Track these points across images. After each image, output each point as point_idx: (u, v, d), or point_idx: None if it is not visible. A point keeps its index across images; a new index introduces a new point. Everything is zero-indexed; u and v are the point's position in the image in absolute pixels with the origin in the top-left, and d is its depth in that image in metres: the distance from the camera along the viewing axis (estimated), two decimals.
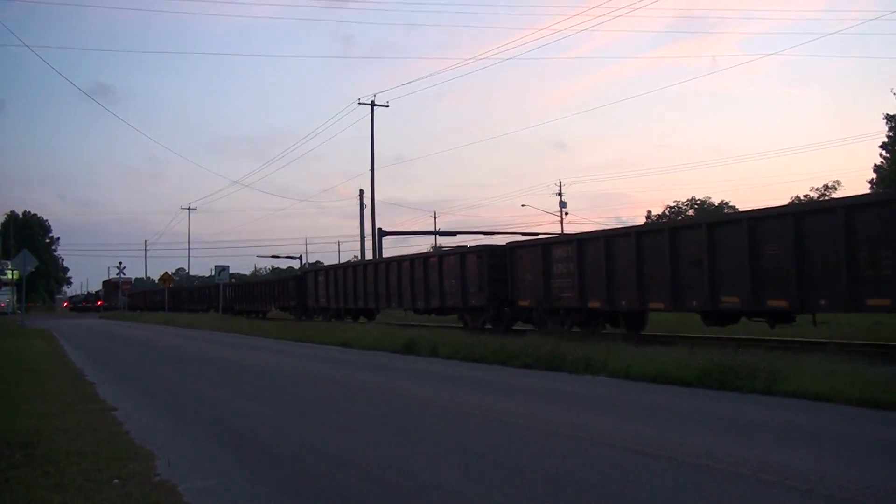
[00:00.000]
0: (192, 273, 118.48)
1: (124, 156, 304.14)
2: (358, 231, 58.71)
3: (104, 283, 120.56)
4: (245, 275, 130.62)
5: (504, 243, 29.81)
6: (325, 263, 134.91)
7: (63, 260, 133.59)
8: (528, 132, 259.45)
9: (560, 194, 78.80)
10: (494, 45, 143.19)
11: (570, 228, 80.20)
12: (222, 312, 56.10)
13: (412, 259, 33.98)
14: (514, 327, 27.66)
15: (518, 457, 7.91)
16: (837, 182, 78.70)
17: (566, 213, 77.92)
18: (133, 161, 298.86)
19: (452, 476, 7.16)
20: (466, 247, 31.63)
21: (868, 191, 56.19)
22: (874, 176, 56.21)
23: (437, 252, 38.79)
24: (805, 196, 79.79)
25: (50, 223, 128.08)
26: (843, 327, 19.58)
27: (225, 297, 58.88)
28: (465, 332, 24.66)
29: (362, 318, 40.12)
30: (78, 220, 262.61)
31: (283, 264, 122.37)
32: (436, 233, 76.03)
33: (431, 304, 31.77)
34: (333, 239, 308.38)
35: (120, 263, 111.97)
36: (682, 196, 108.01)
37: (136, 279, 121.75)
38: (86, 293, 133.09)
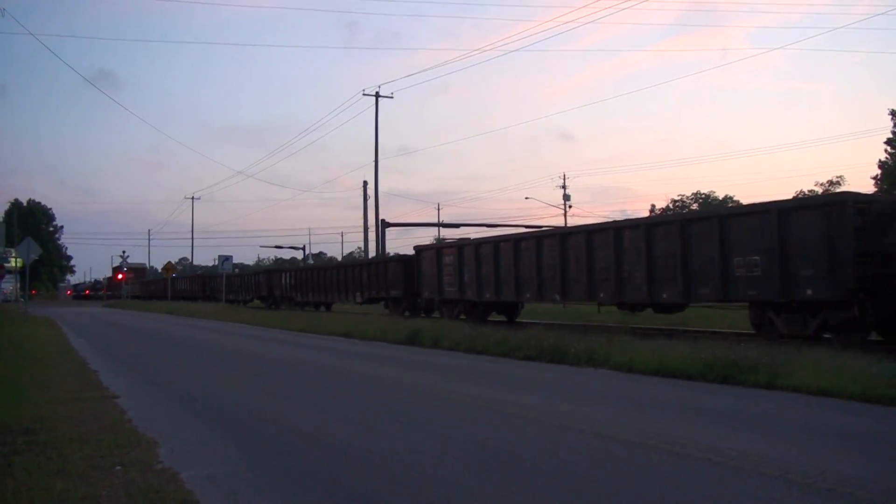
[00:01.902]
0: (195, 263, 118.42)
1: (127, 144, 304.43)
2: (361, 222, 58.71)
3: (115, 269, 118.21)
4: (249, 265, 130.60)
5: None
6: (329, 255, 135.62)
7: (66, 248, 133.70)
8: (532, 124, 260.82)
9: (564, 187, 78.65)
10: (500, 37, 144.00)
11: (573, 221, 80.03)
12: (272, 305, 52.42)
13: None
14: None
15: (520, 449, 7.92)
16: (841, 177, 78.60)
17: (570, 206, 77.78)
18: (136, 150, 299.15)
19: (454, 467, 7.17)
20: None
21: (873, 187, 56.25)
22: (879, 172, 56.13)
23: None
24: (809, 191, 79.83)
25: (53, 212, 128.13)
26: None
27: (281, 284, 52.40)
28: (468, 324, 24.67)
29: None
30: (80, 208, 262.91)
31: (287, 255, 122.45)
32: (439, 225, 75.96)
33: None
34: (336, 230, 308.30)
35: (123, 252, 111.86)
36: (687, 190, 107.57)
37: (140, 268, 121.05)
38: (93, 281, 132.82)
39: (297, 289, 48.93)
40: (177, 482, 6.60)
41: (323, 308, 46.96)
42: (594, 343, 15.78)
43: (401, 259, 36.57)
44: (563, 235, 24.60)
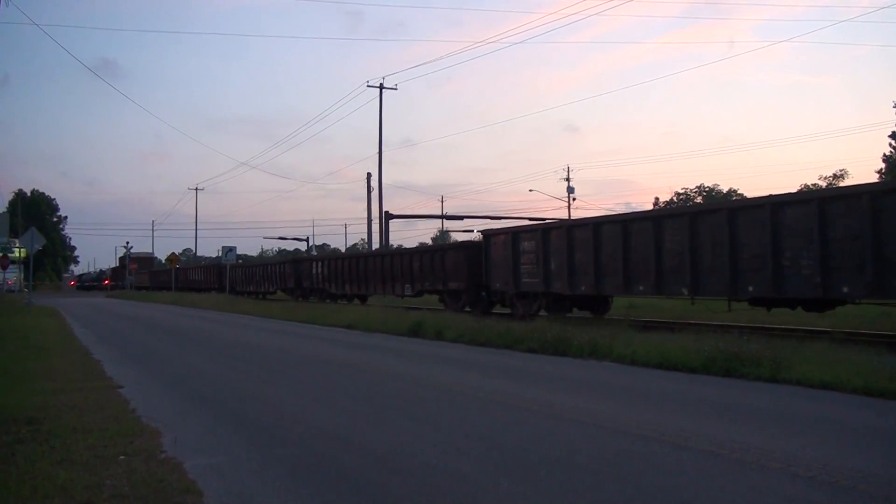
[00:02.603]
0: (198, 254, 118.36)
1: (130, 135, 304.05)
2: (364, 214, 58.71)
3: (121, 259, 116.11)
4: (252, 256, 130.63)
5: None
6: (332, 247, 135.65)
7: (70, 239, 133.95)
8: (537, 116, 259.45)
9: (568, 179, 78.67)
10: (504, 28, 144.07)
11: (577, 214, 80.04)
12: (299, 297, 47.10)
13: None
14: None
15: (522, 440, 7.93)
16: (845, 171, 78.57)
17: (574, 199, 77.76)
18: (139, 141, 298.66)
19: (456, 458, 7.19)
20: None
21: (876, 180, 56.06)
22: (883, 165, 56.02)
23: None
24: (813, 184, 79.67)
25: (57, 202, 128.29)
26: (848, 318, 19.51)
27: (311, 274, 45.52)
28: (472, 316, 24.64)
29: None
30: (84, 198, 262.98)
31: (290, 246, 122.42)
32: (443, 216, 75.88)
33: None
34: (340, 221, 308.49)
35: (127, 243, 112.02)
36: (691, 183, 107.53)
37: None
38: (99, 271, 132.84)
39: (332, 280, 42.42)
40: (180, 471, 6.63)
41: (357, 301, 40.88)
42: (597, 336, 15.78)
43: (463, 246, 31.66)
44: (694, 216, 19.96)
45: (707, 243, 19.33)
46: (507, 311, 28.01)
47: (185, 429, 8.76)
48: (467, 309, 29.05)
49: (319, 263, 45.09)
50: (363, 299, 41.25)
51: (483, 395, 10.88)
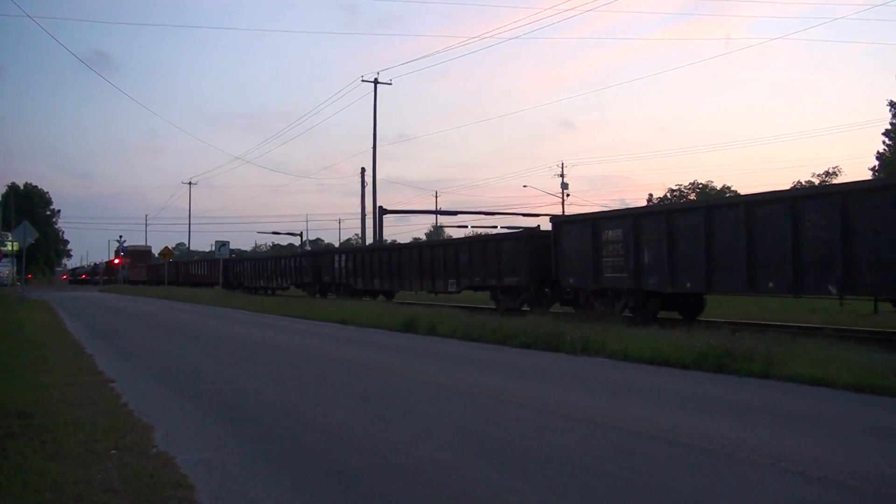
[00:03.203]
0: (192, 248, 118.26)
1: (123, 128, 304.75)
2: (358, 209, 58.69)
3: (117, 251, 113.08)
4: (245, 250, 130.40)
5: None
6: (326, 241, 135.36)
7: (63, 232, 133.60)
8: (531, 112, 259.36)
9: (562, 175, 78.67)
10: (501, 23, 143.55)
11: (570, 210, 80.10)
12: (317, 293, 44.17)
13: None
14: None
15: (513, 436, 7.94)
16: (838, 168, 78.77)
17: (567, 195, 77.79)
18: (132, 134, 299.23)
19: (448, 453, 7.20)
20: None
21: (870, 177, 56.20)
22: (876, 163, 56.14)
23: None
24: (807, 181, 79.91)
25: (51, 195, 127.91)
26: (840, 314, 19.53)
27: (333, 269, 41.65)
28: (464, 311, 24.54)
29: None
30: (77, 192, 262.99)
31: (284, 241, 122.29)
32: (437, 212, 75.97)
33: None
34: (334, 216, 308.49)
35: (120, 237, 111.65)
36: (685, 180, 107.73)
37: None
38: (93, 264, 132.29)
39: (358, 274, 38.50)
40: (172, 466, 6.63)
41: (382, 297, 38.28)
42: (590, 332, 15.80)
43: (526, 235, 27.51)
44: (846, 194, 16.47)
45: (865, 229, 15.90)
46: (571, 309, 25.05)
47: (177, 423, 8.76)
48: (525, 308, 25.86)
49: (343, 256, 41.27)
50: (389, 296, 38.54)
51: (476, 391, 10.89)
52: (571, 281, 23.92)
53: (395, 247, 40.12)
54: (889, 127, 54.74)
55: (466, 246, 30.41)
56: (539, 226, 30.24)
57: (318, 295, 43.26)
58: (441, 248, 32.38)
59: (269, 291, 52.89)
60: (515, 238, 27.91)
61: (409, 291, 35.51)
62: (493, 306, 27.30)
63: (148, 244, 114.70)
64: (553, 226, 25.29)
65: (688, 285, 19.86)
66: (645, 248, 21.10)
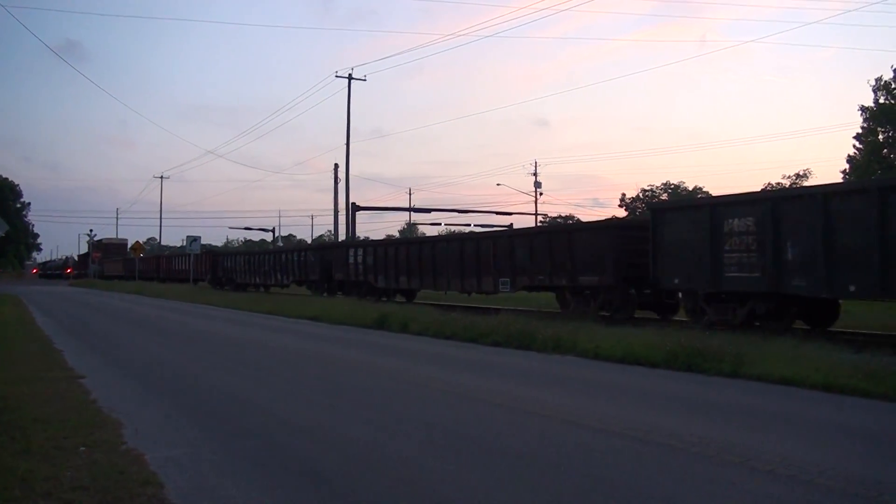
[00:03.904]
0: (163, 243, 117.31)
1: (94, 120, 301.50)
2: (332, 205, 58.47)
3: (95, 244, 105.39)
4: (217, 246, 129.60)
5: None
6: (298, 238, 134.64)
7: (33, 226, 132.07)
8: (508, 110, 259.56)
9: (535, 174, 78.85)
10: (477, 21, 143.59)
11: (543, 209, 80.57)
12: (326, 291, 39.67)
13: None
14: None
15: (484, 433, 7.96)
16: (808, 170, 79.46)
17: (541, 194, 78.00)
18: (103, 126, 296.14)
19: (418, 450, 7.23)
20: None
21: (841, 181, 56.77)
22: (847, 166, 56.68)
23: None
24: (777, 183, 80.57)
25: (21, 188, 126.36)
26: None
27: (348, 265, 36.67)
28: (437, 308, 24.48)
29: None
30: (46, 184, 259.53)
31: (256, 236, 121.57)
32: (410, 209, 75.75)
33: None
34: (306, 212, 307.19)
35: (91, 230, 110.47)
36: (658, 180, 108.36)
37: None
38: (64, 258, 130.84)
39: (379, 271, 33.88)
40: (141, 463, 6.59)
41: (400, 297, 34.27)
42: (561, 330, 15.85)
43: (607, 225, 23.43)
44: None
45: None
46: (654, 315, 22.06)
47: (147, 420, 8.71)
48: (604, 313, 21.82)
49: (360, 251, 36.21)
50: (410, 295, 34.65)
51: (448, 388, 10.91)
52: (676, 282, 19.98)
53: (428, 240, 36.53)
54: (860, 131, 55.19)
55: (526, 238, 25.67)
56: (511, 224, 29.23)
57: (325, 294, 39.23)
58: (490, 240, 27.53)
59: (263, 289, 49.15)
60: (596, 228, 23.57)
61: (439, 290, 31.43)
62: (559, 309, 23.99)
63: (123, 238, 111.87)
64: (652, 214, 21.24)
65: (852, 288, 15.93)
66: (788, 242, 17.04)
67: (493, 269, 26.20)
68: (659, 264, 20.07)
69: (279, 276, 45.79)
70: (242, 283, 51.16)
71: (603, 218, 30.11)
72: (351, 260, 36.43)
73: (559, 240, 23.79)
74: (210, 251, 65.53)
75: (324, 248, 42.64)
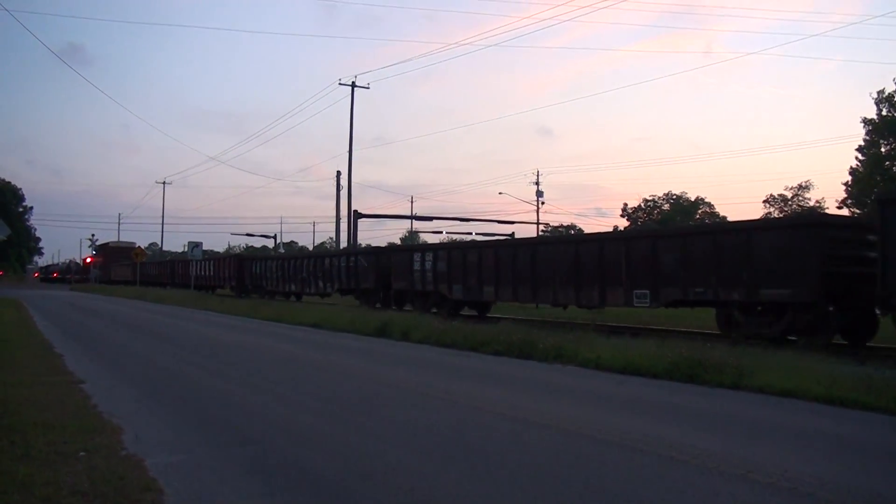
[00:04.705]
0: (164, 248, 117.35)
1: (98, 124, 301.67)
2: (333, 212, 58.50)
3: (98, 247, 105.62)
4: (218, 251, 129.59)
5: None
6: (300, 245, 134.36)
7: (35, 230, 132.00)
8: (509, 119, 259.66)
9: (537, 183, 78.88)
10: (481, 30, 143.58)
11: (545, 218, 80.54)
12: (379, 303, 33.81)
13: None
14: None
15: (484, 442, 7.95)
16: (810, 182, 79.63)
17: (542, 203, 78.03)
18: (106, 130, 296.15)
19: (418, 459, 7.21)
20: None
21: (844, 193, 56.86)
22: (849, 178, 56.74)
23: None
24: (779, 195, 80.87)
25: (23, 192, 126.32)
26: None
27: (412, 272, 30.91)
28: (438, 318, 24.42)
29: None
30: (49, 188, 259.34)
31: (258, 242, 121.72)
32: (412, 217, 75.80)
33: None
34: (308, 219, 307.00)
35: (93, 235, 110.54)
36: (660, 190, 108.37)
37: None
38: (67, 261, 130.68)
39: (454, 279, 28.31)
40: (141, 469, 6.59)
41: (458, 307, 29.44)
42: (563, 340, 15.83)
43: (801, 223, 19.43)
44: None
45: None
46: (843, 341, 17.82)
47: (147, 426, 8.70)
48: (792, 338, 17.60)
49: (429, 255, 30.27)
50: (483, 308, 29.78)
51: (448, 397, 10.90)
52: None
53: (527, 242, 30.51)
54: (862, 143, 55.28)
55: (676, 240, 20.50)
56: (514, 233, 27.96)
57: (378, 305, 33.33)
58: (621, 242, 22.34)
59: (294, 297, 44.84)
60: (787, 227, 19.25)
61: (541, 304, 26.99)
62: (717, 331, 19.68)
63: (132, 241, 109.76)
64: (881, 206, 16.11)
65: None
66: None
67: (624, 277, 21.17)
68: (889, 275, 15.18)
69: (321, 284, 40.29)
70: (274, 290, 46.41)
71: (795, 215, 25.13)
72: (417, 266, 30.61)
73: (730, 241, 18.76)
74: (236, 255, 61.10)
75: (379, 252, 37.05)
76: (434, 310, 28.68)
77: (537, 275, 24.39)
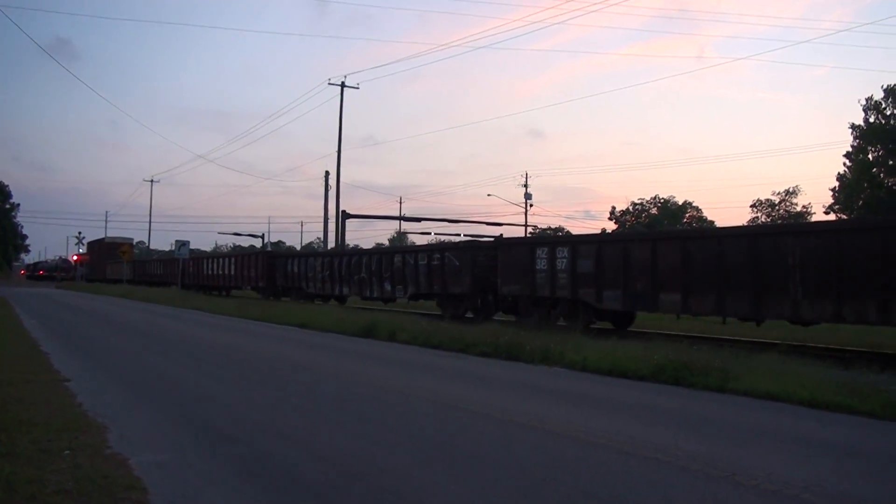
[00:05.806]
0: (151, 247, 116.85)
1: (85, 121, 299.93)
2: (321, 212, 58.41)
3: (90, 244, 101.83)
4: (205, 251, 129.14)
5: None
6: (287, 244, 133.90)
7: (22, 227, 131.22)
8: (499, 121, 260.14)
9: (526, 186, 78.99)
10: (472, 31, 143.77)
11: (533, 220, 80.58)
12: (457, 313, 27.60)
13: None
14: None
15: (470, 444, 7.96)
16: (797, 187, 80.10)
17: (531, 205, 78.12)
18: (93, 127, 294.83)
19: (405, 460, 7.21)
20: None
21: (831, 198, 57.16)
22: (836, 184, 57.07)
23: None
24: (766, 199, 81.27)
25: (10, 189, 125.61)
26: (797, 330, 19.71)
27: (532, 271, 23.72)
28: (425, 318, 24.40)
29: None
30: (35, 185, 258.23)
31: (245, 242, 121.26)
32: (400, 218, 75.74)
33: None
34: (296, 219, 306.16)
35: (79, 233, 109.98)
36: (648, 194, 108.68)
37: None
38: (57, 258, 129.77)
39: (605, 284, 21.44)
40: (125, 468, 6.56)
41: (573, 321, 22.41)
42: (549, 342, 15.85)
43: None
44: None
45: None
46: None
47: (132, 424, 8.67)
48: None
49: (563, 251, 23.23)
50: (626, 321, 23.51)
51: (435, 399, 10.88)
52: None
53: (702, 233, 25.55)
54: (850, 149, 55.62)
55: (868, 235, 15.81)
56: (502, 234, 25.75)
57: (470, 314, 27.52)
58: (793, 238, 17.05)
59: (336, 301, 38.31)
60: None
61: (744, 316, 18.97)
62: None
63: (129, 237, 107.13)
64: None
65: None
66: None
67: (811, 287, 16.31)
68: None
69: (387, 287, 32.39)
70: (317, 293, 38.94)
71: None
72: (541, 265, 23.63)
73: None
74: (266, 252, 53.87)
75: (478, 249, 28.05)
76: (561, 321, 23.04)
77: (728, 277, 18.09)
